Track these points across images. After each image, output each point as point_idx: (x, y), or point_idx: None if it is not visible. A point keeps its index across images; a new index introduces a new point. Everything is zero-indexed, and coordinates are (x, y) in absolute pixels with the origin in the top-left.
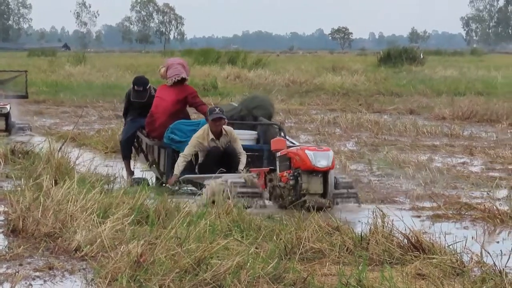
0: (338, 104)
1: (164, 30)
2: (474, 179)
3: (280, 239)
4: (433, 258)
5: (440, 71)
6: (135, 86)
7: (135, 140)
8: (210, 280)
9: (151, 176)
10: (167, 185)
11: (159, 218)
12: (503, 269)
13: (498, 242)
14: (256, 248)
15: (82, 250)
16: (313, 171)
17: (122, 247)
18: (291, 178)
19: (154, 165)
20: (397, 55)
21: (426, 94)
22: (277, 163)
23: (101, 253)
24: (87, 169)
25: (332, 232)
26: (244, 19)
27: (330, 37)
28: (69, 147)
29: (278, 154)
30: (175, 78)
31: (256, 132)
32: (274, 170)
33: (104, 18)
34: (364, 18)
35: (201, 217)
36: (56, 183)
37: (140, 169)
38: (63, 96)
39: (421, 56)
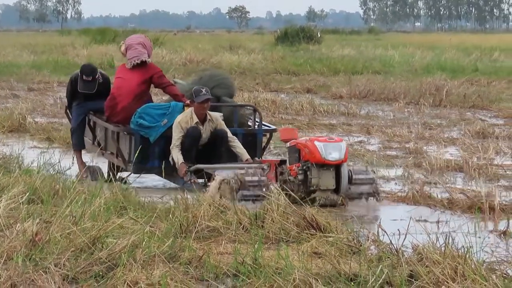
0: (235, 83)
1: (61, 9)
2: (369, 157)
3: (176, 218)
4: (329, 236)
5: (338, 50)
6: (83, 76)
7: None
8: (106, 258)
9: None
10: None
11: (54, 196)
12: (400, 248)
13: (396, 220)
14: (151, 227)
15: None
16: (323, 165)
17: (18, 225)
18: (300, 172)
19: (112, 153)
20: (295, 34)
21: (323, 73)
22: (287, 154)
23: None
24: None
25: (226, 210)
26: None
27: (227, 16)
28: None
29: (288, 144)
30: (134, 61)
31: (221, 114)
32: (284, 162)
33: None
34: None
35: (96, 196)
36: None
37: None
38: None
39: (319, 35)
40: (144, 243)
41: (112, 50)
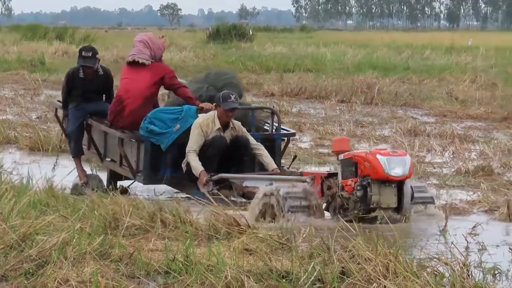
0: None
1: None
2: (301, 155)
3: (100, 215)
4: (259, 233)
5: (269, 47)
6: (83, 52)
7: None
8: (36, 256)
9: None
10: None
11: None
12: (332, 245)
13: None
14: (82, 224)
15: None
16: (386, 181)
17: None
18: (359, 188)
19: (113, 160)
20: (226, 31)
21: (255, 71)
22: (339, 168)
23: None
24: None
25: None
26: None
27: (159, 13)
28: None
29: (341, 157)
30: (128, 59)
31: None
32: (333, 175)
33: None
34: None
35: (24, 193)
36: None
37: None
38: None
39: (250, 33)
40: (74, 240)
41: (43, 46)
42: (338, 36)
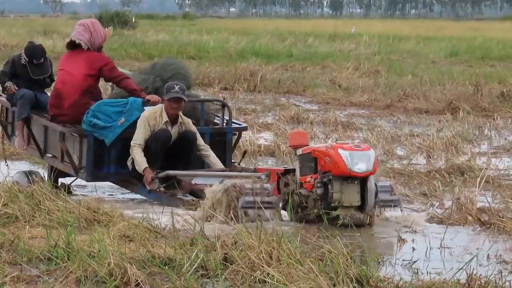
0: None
1: None
2: None
3: None
4: (133, 220)
5: (152, 35)
6: (34, 60)
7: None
8: None
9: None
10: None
11: None
12: (215, 233)
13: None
14: None
15: None
16: (348, 177)
17: None
18: (319, 185)
19: (54, 156)
20: (109, 19)
21: (138, 58)
22: (297, 163)
23: None
24: None
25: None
26: None
27: (41, 1)
28: None
29: (299, 152)
30: (68, 39)
31: None
32: (290, 171)
33: None
34: None
35: None
36: None
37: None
38: None
39: (133, 20)
40: None
41: None
42: (221, 23)
